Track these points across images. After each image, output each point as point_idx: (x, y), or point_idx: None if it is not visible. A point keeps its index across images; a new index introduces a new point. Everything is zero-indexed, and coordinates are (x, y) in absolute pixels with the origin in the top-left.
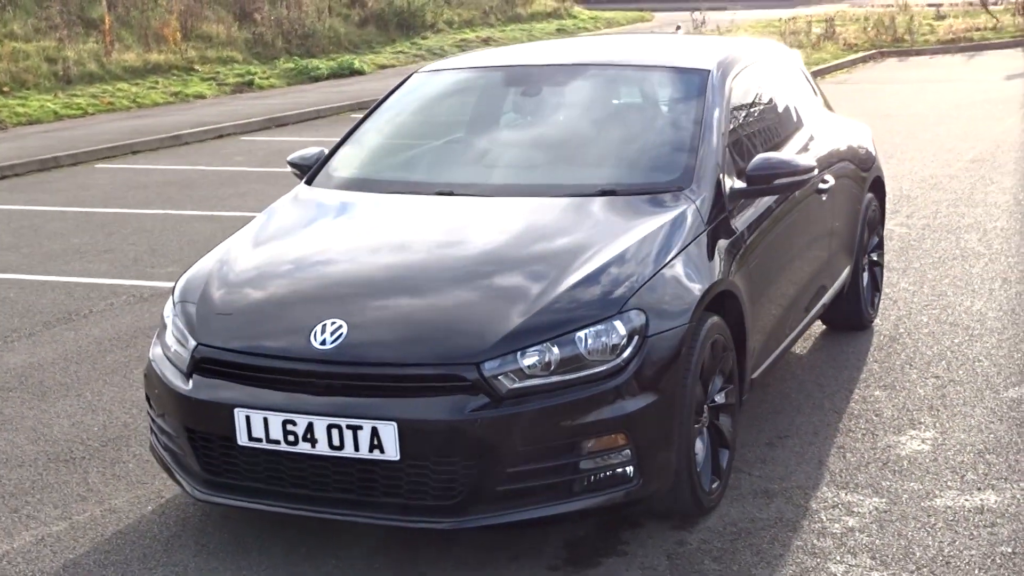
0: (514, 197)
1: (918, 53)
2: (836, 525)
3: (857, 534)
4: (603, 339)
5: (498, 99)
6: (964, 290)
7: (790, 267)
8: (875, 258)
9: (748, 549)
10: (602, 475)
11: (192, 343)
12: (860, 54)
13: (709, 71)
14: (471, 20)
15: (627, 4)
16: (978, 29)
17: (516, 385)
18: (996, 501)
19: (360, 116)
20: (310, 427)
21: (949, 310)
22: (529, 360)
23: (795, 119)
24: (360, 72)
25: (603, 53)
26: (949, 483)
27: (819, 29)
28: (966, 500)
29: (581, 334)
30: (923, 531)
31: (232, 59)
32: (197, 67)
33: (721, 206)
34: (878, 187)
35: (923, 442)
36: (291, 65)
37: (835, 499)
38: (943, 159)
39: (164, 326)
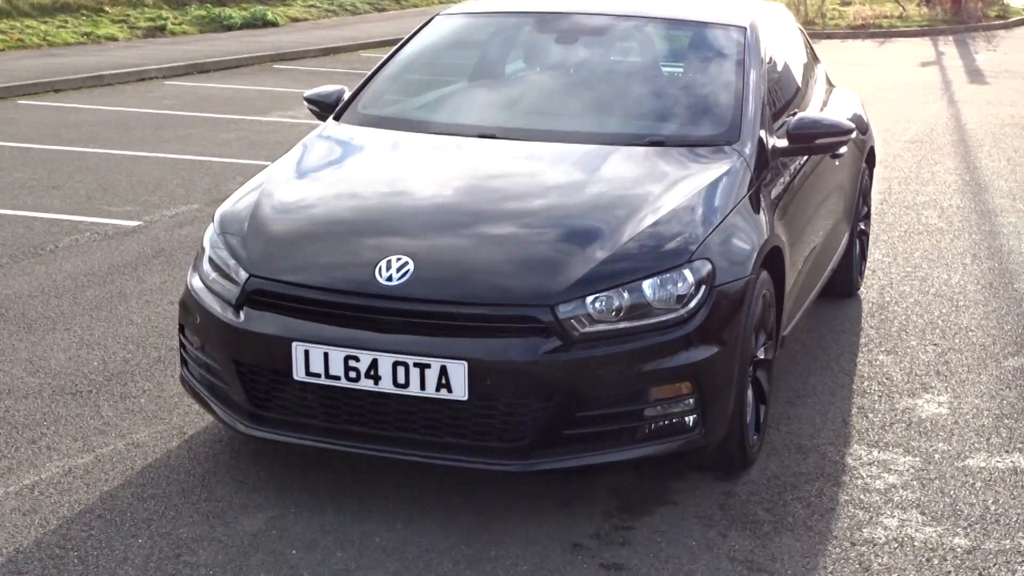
0: (561, 143)
1: (829, 36)
2: (878, 482)
3: (901, 491)
4: (672, 287)
5: (533, 45)
6: (938, 263)
7: (812, 228)
8: (863, 227)
9: (797, 501)
10: (665, 423)
11: (243, 275)
12: None
13: (745, 27)
14: None
15: None
16: (886, 17)
17: (587, 329)
18: None
19: (282, 67)
20: (374, 364)
21: (928, 282)
22: (600, 305)
23: (808, 81)
24: (274, 24)
25: (633, 5)
26: (976, 445)
27: None
28: (997, 462)
29: (651, 281)
30: (965, 489)
31: (142, 2)
32: (107, 8)
33: (764, 162)
34: (870, 156)
35: (939, 405)
36: (203, 13)
37: (869, 457)
38: (882, 138)
39: (201, 256)
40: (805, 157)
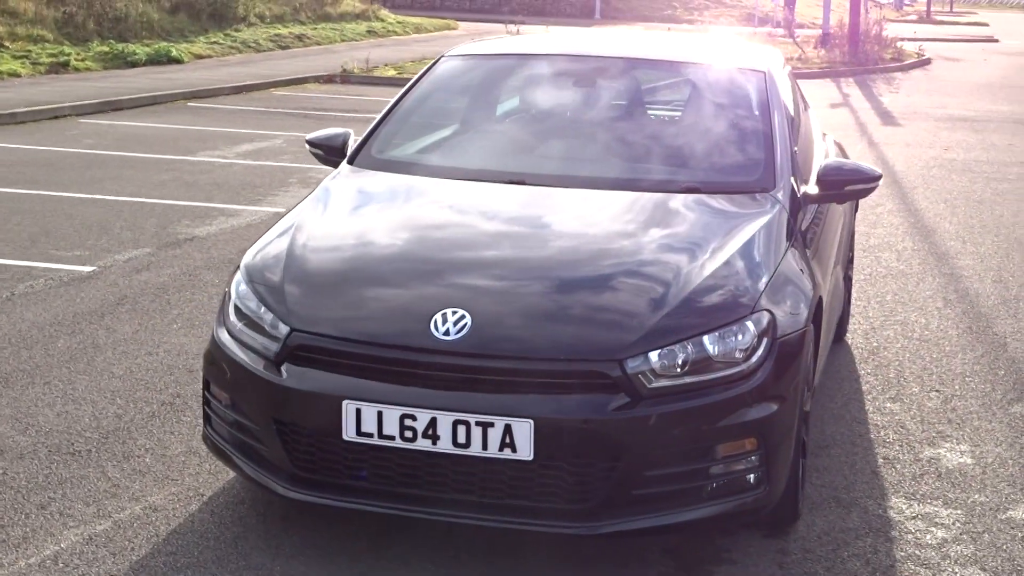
0: (594, 190)
1: None
2: (928, 536)
3: (954, 545)
4: (735, 339)
5: (548, 88)
6: (911, 307)
7: (830, 275)
8: (849, 272)
9: (854, 559)
10: (730, 481)
11: (283, 329)
12: None
13: (764, 72)
14: (282, 16)
15: (433, 12)
16: (787, 59)
17: (655, 385)
18: None
19: (196, 105)
20: (432, 423)
21: (909, 327)
22: (665, 360)
23: (810, 127)
24: (179, 60)
25: (646, 48)
26: (1012, 496)
27: None
28: None
29: (714, 335)
30: (1018, 544)
31: (43, 38)
32: (7, 43)
33: (797, 209)
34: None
35: (962, 455)
36: (106, 49)
37: (910, 510)
38: None
39: (227, 307)
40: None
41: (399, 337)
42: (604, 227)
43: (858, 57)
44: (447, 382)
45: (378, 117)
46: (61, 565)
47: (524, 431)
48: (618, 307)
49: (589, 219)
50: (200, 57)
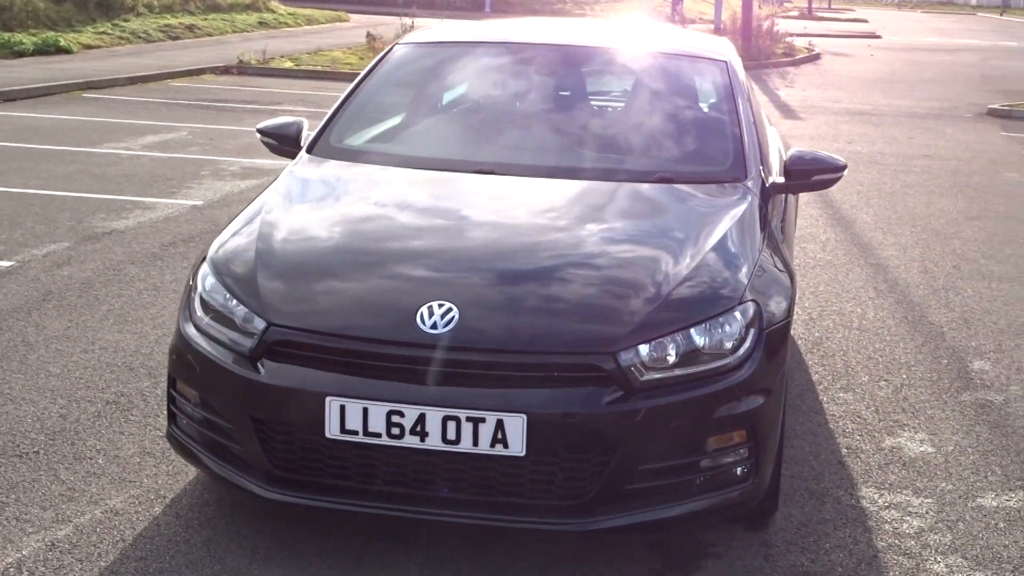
0: (564, 180)
1: None
2: (904, 526)
3: (932, 534)
4: (723, 331)
5: (509, 77)
6: (844, 298)
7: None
8: None
9: (837, 550)
10: (720, 474)
11: (259, 324)
12: None
13: (726, 62)
14: (171, 6)
15: (323, 4)
16: None
17: (647, 377)
18: None
19: (93, 96)
20: (421, 419)
21: (846, 316)
22: (657, 352)
23: (762, 118)
24: (67, 51)
25: (603, 36)
26: (977, 483)
27: None
28: (1007, 500)
29: (702, 326)
30: (991, 532)
31: None
32: None
33: (767, 199)
34: None
35: (922, 443)
36: None
37: (882, 500)
38: None
39: (192, 301)
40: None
41: (384, 331)
42: (584, 218)
43: (751, 52)
44: (436, 377)
45: (335, 105)
46: (26, 573)
47: (516, 426)
48: (607, 299)
49: (566, 210)
50: (89, 47)
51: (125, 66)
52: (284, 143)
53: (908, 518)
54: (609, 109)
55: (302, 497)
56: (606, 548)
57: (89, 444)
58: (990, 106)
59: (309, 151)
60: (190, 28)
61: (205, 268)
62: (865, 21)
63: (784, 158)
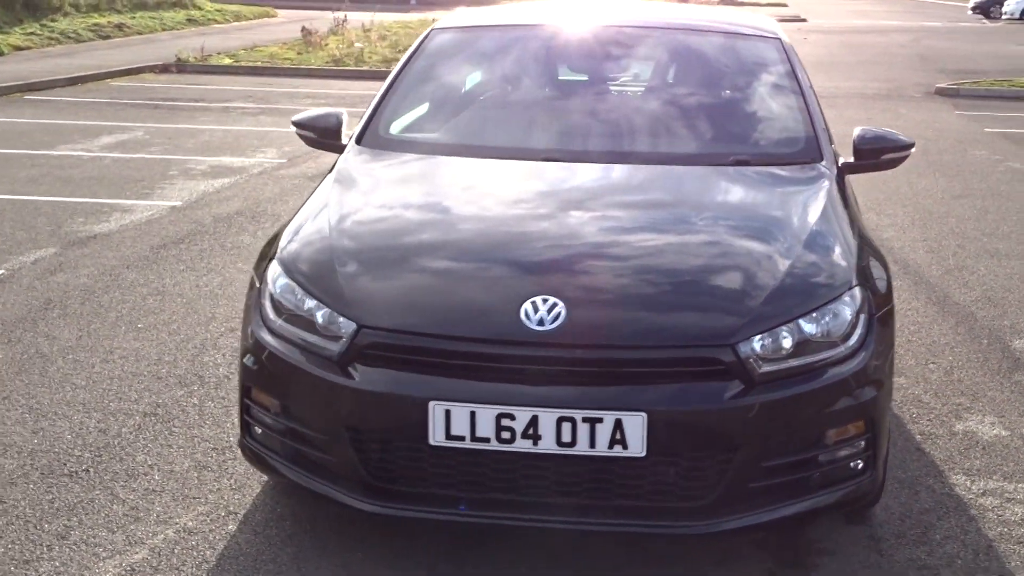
0: (642, 165)
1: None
2: (1008, 513)
3: None
4: (837, 318)
5: (560, 59)
6: None
7: None
8: None
9: (950, 541)
10: (839, 468)
11: (349, 326)
12: None
13: (779, 38)
14: (97, 5)
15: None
16: None
17: (766, 369)
18: None
19: (34, 98)
20: (533, 421)
21: None
22: (772, 343)
23: None
24: None
25: (649, 14)
26: None
27: None
28: None
29: (814, 314)
30: None
31: None
32: None
33: (843, 180)
34: None
35: (993, 426)
36: None
37: (976, 487)
38: None
39: (263, 305)
40: None
41: (488, 330)
42: (675, 204)
43: None
44: (547, 376)
45: (378, 95)
46: None
47: (636, 425)
48: (718, 289)
49: (654, 196)
50: (19, 48)
51: (61, 67)
52: (325, 136)
53: (1009, 505)
54: (670, 90)
55: (404, 508)
56: (711, 549)
57: (139, 460)
58: (938, 85)
59: (359, 142)
60: (119, 27)
61: (275, 268)
62: (784, 5)
63: (855, 138)
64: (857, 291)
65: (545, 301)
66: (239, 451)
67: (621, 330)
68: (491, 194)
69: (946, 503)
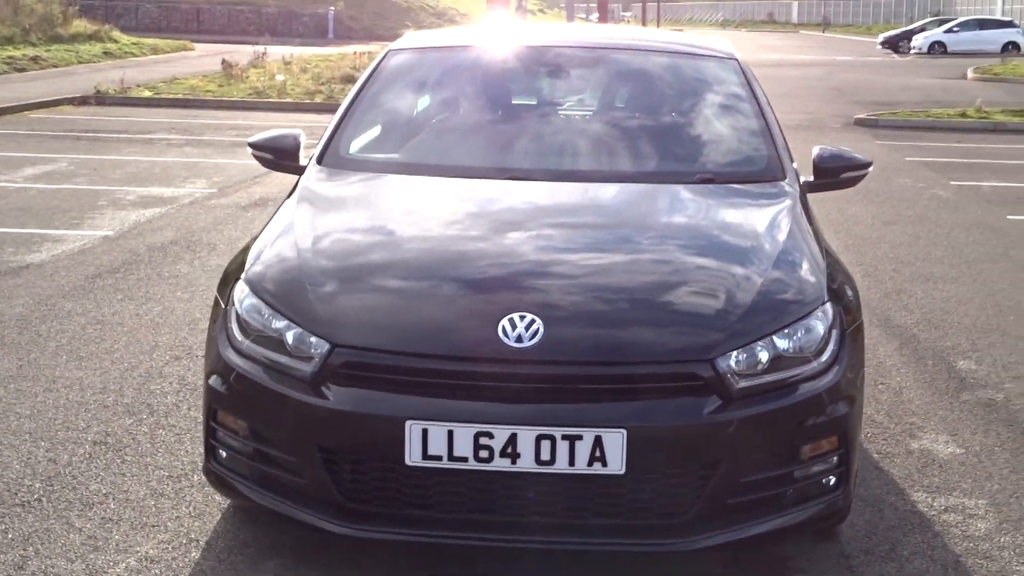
0: (605, 183)
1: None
2: (971, 528)
3: (1002, 536)
4: (810, 333)
5: (519, 79)
6: None
7: None
8: None
9: (917, 557)
10: (811, 484)
11: (322, 345)
12: None
13: (736, 58)
14: (11, 37)
15: (163, 33)
16: None
17: (743, 384)
18: None
19: None
20: (512, 440)
21: None
22: (749, 358)
23: None
24: None
25: (605, 36)
26: (1022, 482)
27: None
28: None
29: (787, 330)
30: None
31: None
32: None
33: (805, 198)
34: None
35: (946, 444)
36: None
37: (937, 503)
38: None
39: (230, 328)
40: None
41: (466, 347)
42: (645, 221)
43: None
44: (526, 394)
45: (337, 115)
46: None
47: (615, 442)
48: (693, 305)
49: (623, 213)
50: None
51: None
52: (283, 157)
53: (972, 520)
54: (635, 110)
55: (378, 530)
56: (680, 565)
57: (92, 488)
58: (857, 116)
59: (320, 162)
60: (35, 59)
61: (242, 288)
62: None
63: (815, 156)
64: (829, 307)
65: (523, 318)
66: (196, 478)
67: (598, 346)
68: (462, 211)
69: (910, 520)
